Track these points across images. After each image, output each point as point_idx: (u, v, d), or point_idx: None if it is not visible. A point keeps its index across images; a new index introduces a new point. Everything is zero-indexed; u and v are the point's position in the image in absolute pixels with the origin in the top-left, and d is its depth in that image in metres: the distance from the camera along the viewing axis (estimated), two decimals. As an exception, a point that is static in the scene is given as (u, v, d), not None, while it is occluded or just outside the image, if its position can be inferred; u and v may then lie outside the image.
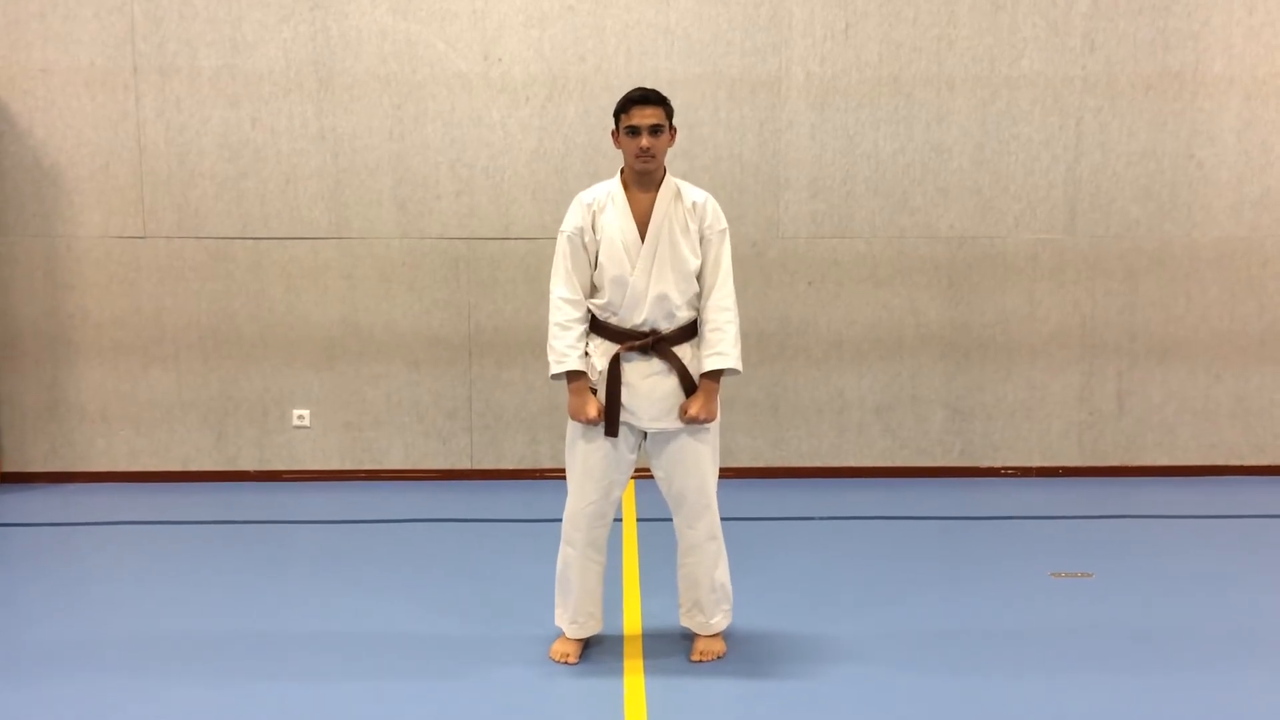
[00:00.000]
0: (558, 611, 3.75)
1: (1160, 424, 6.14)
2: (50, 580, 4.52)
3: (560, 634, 3.75)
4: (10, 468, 6.00)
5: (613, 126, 3.59)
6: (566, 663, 3.64)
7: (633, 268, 3.46)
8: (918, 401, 6.11)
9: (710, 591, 3.71)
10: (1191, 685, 3.47)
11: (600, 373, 3.53)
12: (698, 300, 3.54)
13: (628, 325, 3.51)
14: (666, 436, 3.56)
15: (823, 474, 6.12)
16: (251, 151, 5.86)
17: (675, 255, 3.48)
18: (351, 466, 6.09)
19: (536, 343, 6.01)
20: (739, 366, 3.49)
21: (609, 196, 3.53)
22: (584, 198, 3.55)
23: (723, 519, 5.47)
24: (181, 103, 5.82)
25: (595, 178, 5.87)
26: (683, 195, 3.58)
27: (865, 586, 4.39)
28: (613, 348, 3.52)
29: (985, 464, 6.15)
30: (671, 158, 5.88)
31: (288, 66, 5.80)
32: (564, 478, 6.09)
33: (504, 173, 5.91)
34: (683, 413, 3.49)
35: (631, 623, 4.01)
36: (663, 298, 3.47)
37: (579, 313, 3.53)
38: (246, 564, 4.71)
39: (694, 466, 3.57)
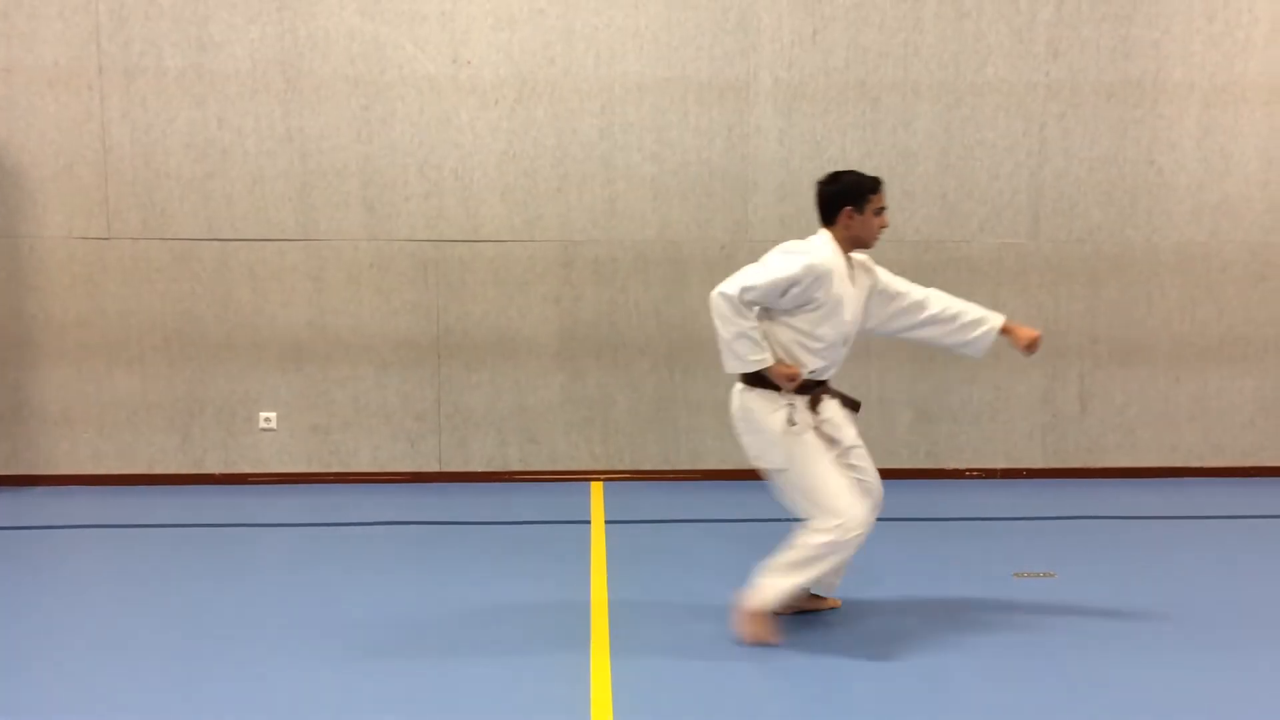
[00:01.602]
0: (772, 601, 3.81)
1: (1121, 426, 6.23)
2: (13, 584, 4.47)
3: (760, 621, 3.82)
4: (-29, 471, 5.94)
5: (847, 205, 3.80)
6: (771, 642, 3.80)
7: (847, 336, 3.85)
8: (884, 404, 6.16)
9: None
10: (1151, 680, 3.53)
11: (811, 416, 3.81)
12: None
13: (820, 376, 3.86)
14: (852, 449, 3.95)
15: (790, 476, 6.15)
16: (218, 152, 5.82)
17: (858, 317, 3.91)
18: (319, 469, 6.06)
19: (505, 344, 6.01)
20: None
21: (835, 269, 3.76)
22: (819, 262, 3.72)
23: (689, 520, 5.51)
24: (147, 103, 5.77)
25: (564, 180, 5.90)
26: (864, 265, 3.95)
27: (832, 587, 4.42)
28: (805, 396, 3.81)
29: (951, 466, 6.21)
30: (640, 162, 5.94)
31: (254, 67, 5.77)
32: (535, 480, 6.11)
33: (473, 175, 5.91)
34: (1032, 343, 4.01)
35: (598, 620, 4.02)
36: None
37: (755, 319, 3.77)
38: (212, 567, 4.68)
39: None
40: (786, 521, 5.36)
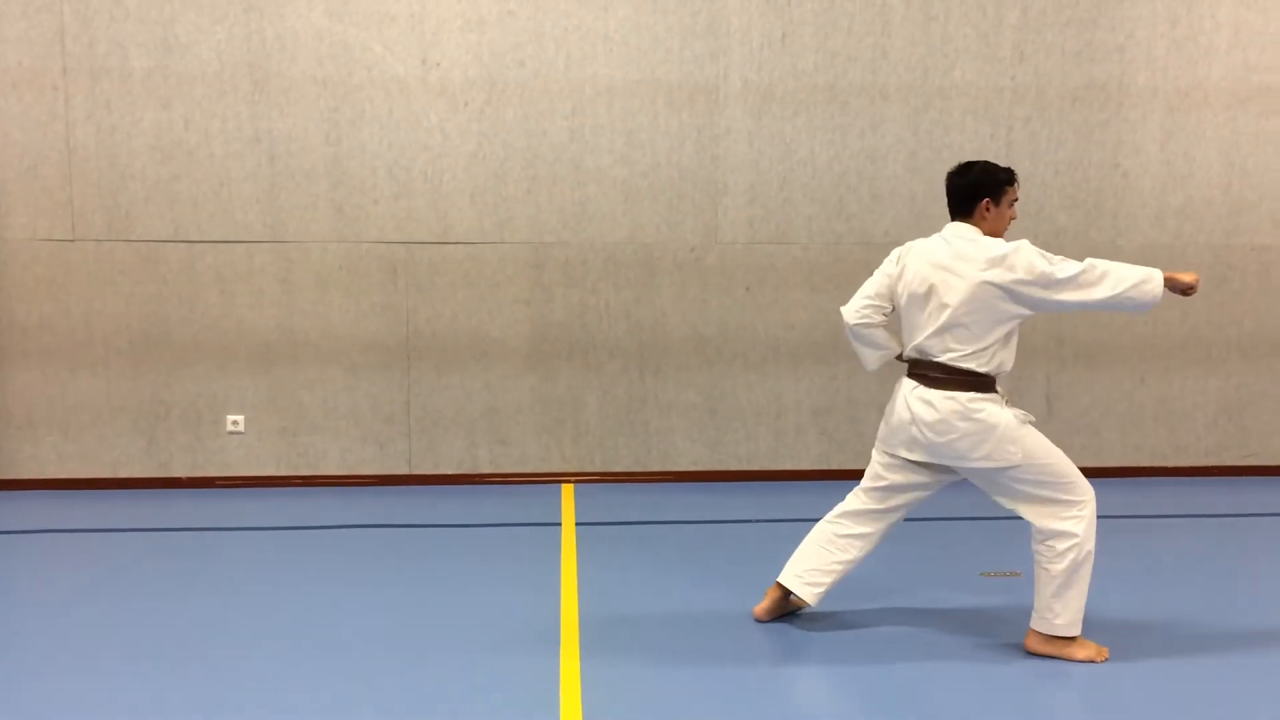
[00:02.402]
0: (1078, 618, 3.71)
1: (1087, 427, 6.30)
2: (-26, 590, 4.42)
3: (1079, 639, 3.75)
4: (-68, 476, 5.86)
5: (986, 197, 3.77)
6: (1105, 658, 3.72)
7: None
8: (854, 405, 6.19)
9: None
10: (1116, 676, 3.57)
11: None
12: None
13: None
14: None
15: (760, 477, 6.18)
16: (184, 154, 5.78)
17: None
18: (287, 472, 6.02)
19: (476, 346, 6.00)
20: None
21: None
22: None
23: (660, 522, 5.52)
24: (112, 104, 5.72)
25: (535, 182, 5.90)
26: None
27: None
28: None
29: (919, 466, 6.24)
30: (610, 164, 5.95)
31: (221, 68, 5.73)
32: (505, 482, 6.10)
33: (442, 176, 5.89)
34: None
35: (569, 622, 4.02)
36: None
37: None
38: (180, 572, 4.64)
39: None
40: (760, 523, 5.39)
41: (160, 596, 4.33)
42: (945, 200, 6.11)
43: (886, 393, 6.17)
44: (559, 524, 5.34)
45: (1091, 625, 3.95)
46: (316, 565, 4.74)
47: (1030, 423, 3.75)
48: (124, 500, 5.75)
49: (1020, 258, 3.57)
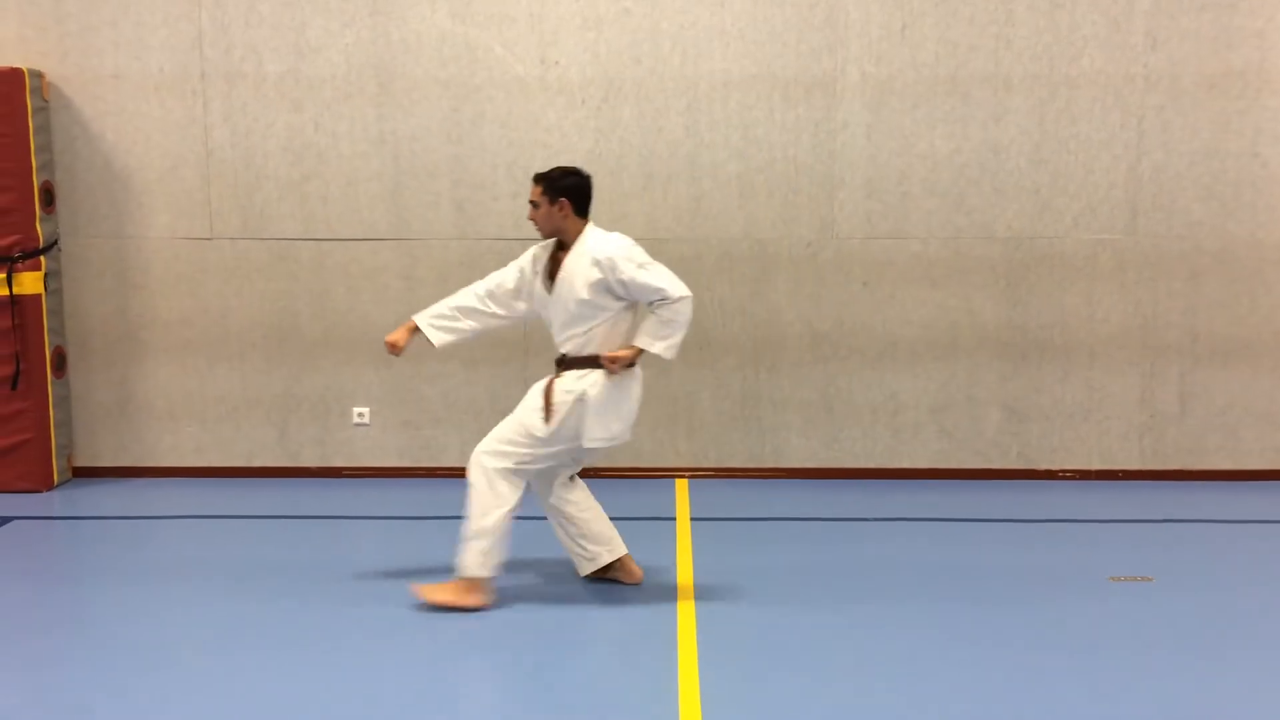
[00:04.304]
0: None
1: (1223, 427, 6.04)
2: (120, 570, 4.65)
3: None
4: (81, 462, 6.18)
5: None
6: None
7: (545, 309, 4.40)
8: (974, 403, 6.07)
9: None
10: (1253, 690, 3.44)
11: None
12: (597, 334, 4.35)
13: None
14: None
15: (877, 475, 6.10)
16: (314, 154, 5.98)
17: (571, 300, 4.28)
18: (409, 464, 6.18)
19: (591, 342, 6.05)
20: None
21: (545, 249, 4.49)
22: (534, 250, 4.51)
23: (779, 519, 5.50)
24: (247, 107, 5.95)
25: (650, 179, 5.93)
26: (592, 251, 4.31)
27: (919, 584, 4.38)
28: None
29: (1043, 466, 6.09)
30: (726, 160, 5.94)
31: (349, 71, 5.91)
32: (621, 477, 6.15)
33: (560, 174, 5.95)
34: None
35: (685, 615, 4.05)
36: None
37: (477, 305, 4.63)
38: (308, 557, 4.81)
39: None
40: (877, 521, 5.33)
41: (289, 578, 4.49)
42: (1072, 192, 5.96)
43: (1009, 391, 6.05)
44: (673, 518, 5.37)
45: (1233, 631, 3.80)
46: (441, 552, 4.85)
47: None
48: (257, 488, 5.98)
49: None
